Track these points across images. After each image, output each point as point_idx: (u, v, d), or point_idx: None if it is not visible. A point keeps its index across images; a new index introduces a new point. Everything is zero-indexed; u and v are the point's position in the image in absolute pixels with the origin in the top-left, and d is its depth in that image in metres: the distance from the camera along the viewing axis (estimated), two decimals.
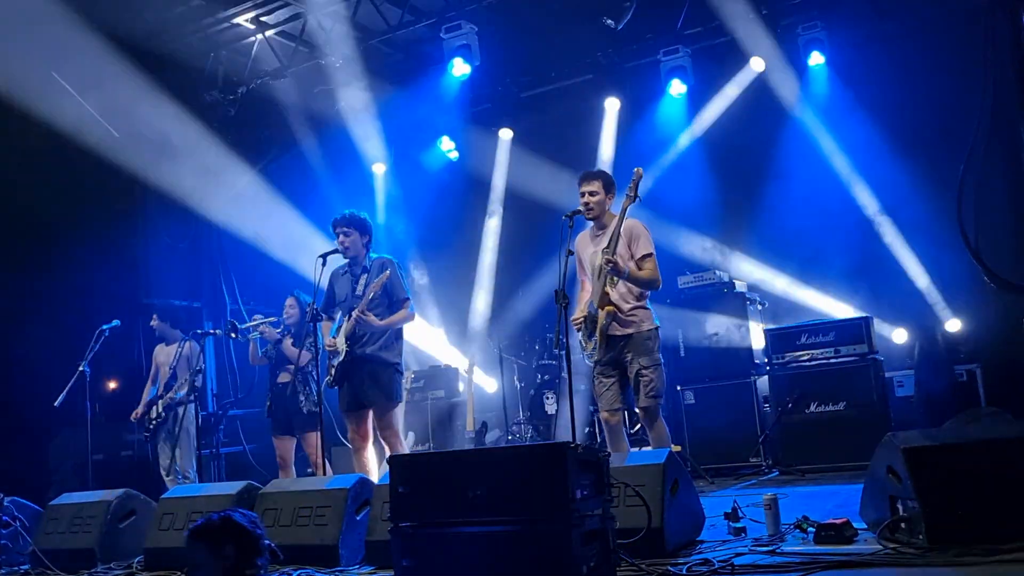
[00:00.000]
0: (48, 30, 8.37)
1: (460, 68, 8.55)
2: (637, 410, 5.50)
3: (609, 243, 5.27)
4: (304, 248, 9.47)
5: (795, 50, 8.81)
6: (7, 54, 8.49)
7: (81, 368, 7.12)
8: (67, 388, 7.07)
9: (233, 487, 5.38)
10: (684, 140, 9.58)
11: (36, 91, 9.36)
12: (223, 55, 9.52)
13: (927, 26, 8.30)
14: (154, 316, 8.03)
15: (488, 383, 10.07)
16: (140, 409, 7.78)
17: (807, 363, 7.47)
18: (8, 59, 8.55)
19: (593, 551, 3.49)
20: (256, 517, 3.58)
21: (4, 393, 9.35)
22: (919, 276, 8.41)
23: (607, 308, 5.31)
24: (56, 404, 7.03)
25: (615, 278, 5.30)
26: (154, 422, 7.60)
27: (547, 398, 8.77)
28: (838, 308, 8.64)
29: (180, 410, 7.49)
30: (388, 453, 6.57)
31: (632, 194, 5.23)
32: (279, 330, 7.05)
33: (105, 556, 5.51)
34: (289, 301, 7.05)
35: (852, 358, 7.33)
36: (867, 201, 8.78)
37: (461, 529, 3.53)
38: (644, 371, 5.32)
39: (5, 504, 5.67)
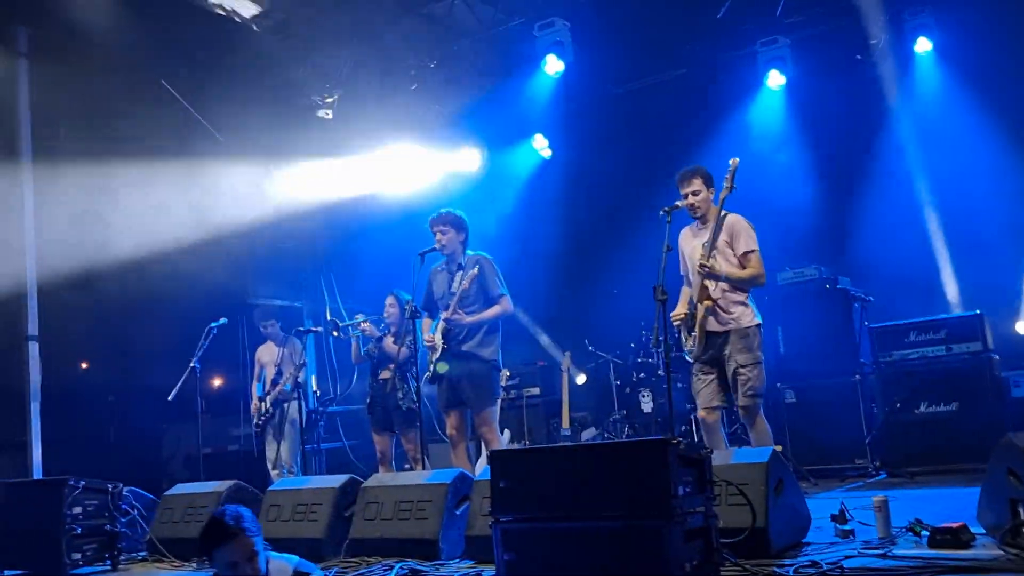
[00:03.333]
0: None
1: (553, 65, 8.54)
2: (737, 408, 5.40)
3: (709, 239, 5.19)
4: (403, 246, 9.64)
5: (901, 36, 8.50)
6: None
7: (192, 364, 7.39)
8: (179, 384, 7.35)
9: (336, 480, 5.51)
10: (783, 132, 9.35)
11: (147, 97, 9.78)
12: (317, 59, 9.75)
13: None
14: (273, 321, 8.28)
15: (580, 378, 10.03)
16: (255, 403, 8.06)
17: (916, 361, 7.19)
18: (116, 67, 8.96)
19: (695, 549, 3.44)
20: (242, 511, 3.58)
21: (121, 389, 9.82)
22: None
23: (706, 302, 5.24)
24: (169, 398, 7.31)
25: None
26: (264, 417, 7.86)
27: (643, 396, 8.68)
28: (950, 301, 8.29)
29: (286, 405, 7.74)
30: (484, 450, 6.65)
31: (729, 184, 5.15)
32: (380, 328, 7.19)
33: None
34: (389, 300, 7.17)
35: (966, 356, 7.02)
36: (979, 193, 8.40)
37: (562, 524, 3.52)
38: (742, 369, 5.23)
39: (124, 493, 5.93)
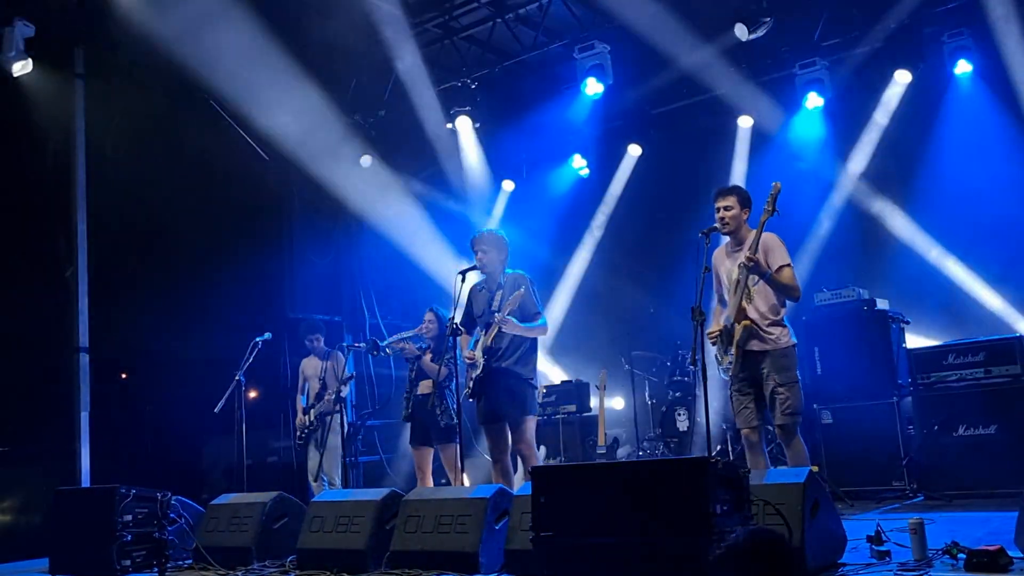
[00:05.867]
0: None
1: (593, 87, 8.66)
2: (774, 428, 5.45)
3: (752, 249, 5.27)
4: (441, 264, 9.80)
5: (940, 59, 8.52)
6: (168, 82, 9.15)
7: (237, 378, 7.56)
8: (225, 396, 7.51)
9: (378, 493, 5.62)
10: (821, 153, 9.38)
11: (193, 116, 10.05)
12: (364, 78, 9.96)
13: None
14: (318, 336, 8.45)
15: (616, 401, 10.10)
16: (300, 417, 8.23)
17: (955, 384, 7.16)
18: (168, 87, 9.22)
19: None
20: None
21: (164, 401, 10.02)
22: None
23: (744, 323, 5.31)
24: (216, 411, 7.47)
25: (750, 294, 5.29)
26: (307, 430, 8.03)
27: (679, 415, 8.73)
28: (990, 323, 8.25)
29: (328, 419, 7.89)
30: (522, 466, 6.74)
31: (770, 208, 5.21)
32: (418, 346, 7.32)
33: (260, 554, 5.85)
34: (428, 316, 7.28)
35: (1005, 379, 6.98)
36: (1020, 214, 8.37)
37: (602, 540, 3.61)
38: (780, 388, 5.28)
39: (172, 502, 6.11)
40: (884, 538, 4.46)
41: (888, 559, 4.31)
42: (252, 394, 10.51)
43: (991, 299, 8.48)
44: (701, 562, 3.39)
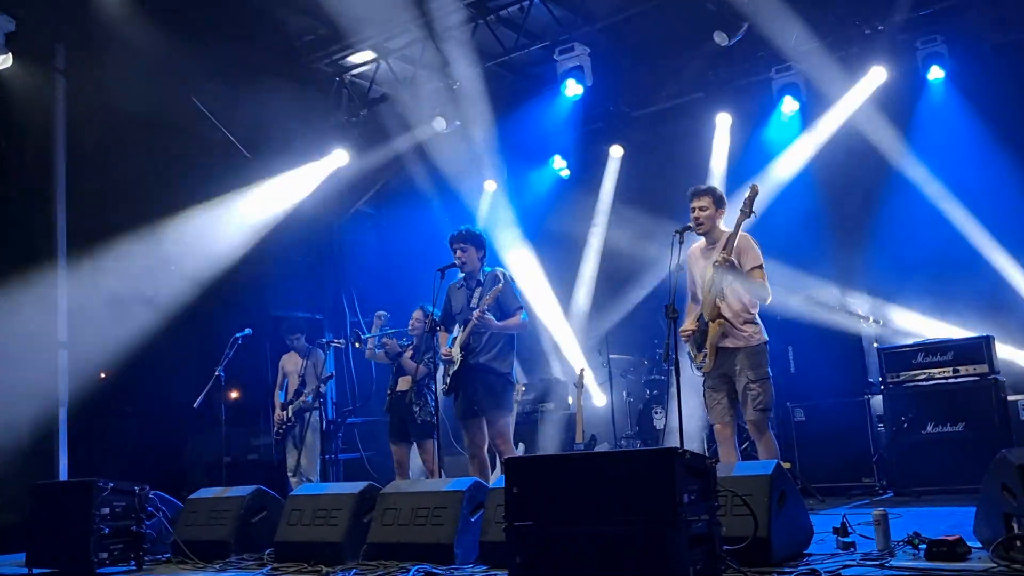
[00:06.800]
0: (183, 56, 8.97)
1: (573, 89, 8.76)
2: (745, 423, 5.57)
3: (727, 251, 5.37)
4: (421, 261, 9.83)
5: (913, 64, 8.67)
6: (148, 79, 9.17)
7: (217, 373, 7.59)
8: (204, 392, 7.53)
9: (355, 487, 5.66)
10: (796, 157, 9.51)
11: (178, 114, 10.05)
12: (347, 78, 10.02)
13: None
14: (299, 335, 8.49)
15: (597, 398, 10.19)
16: (279, 412, 8.27)
17: (924, 382, 7.30)
18: (148, 84, 9.23)
19: (699, 555, 3.60)
20: None
21: (145, 396, 10.03)
22: None
23: (718, 321, 5.42)
24: (195, 406, 7.49)
25: (723, 293, 5.40)
26: (284, 426, 8.07)
27: (656, 412, 8.83)
28: (959, 332, 8.38)
29: (307, 415, 7.95)
30: (499, 461, 6.82)
31: (747, 209, 5.32)
32: (400, 342, 7.40)
33: (238, 548, 5.89)
34: (416, 314, 7.36)
35: (972, 378, 7.13)
36: (992, 221, 8.53)
37: (572, 529, 3.69)
38: (752, 384, 5.41)
39: (150, 496, 6.14)
40: (850, 530, 4.56)
41: (853, 550, 4.42)
42: (234, 394, 10.52)
43: (961, 299, 8.61)
44: (668, 549, 3.48)
